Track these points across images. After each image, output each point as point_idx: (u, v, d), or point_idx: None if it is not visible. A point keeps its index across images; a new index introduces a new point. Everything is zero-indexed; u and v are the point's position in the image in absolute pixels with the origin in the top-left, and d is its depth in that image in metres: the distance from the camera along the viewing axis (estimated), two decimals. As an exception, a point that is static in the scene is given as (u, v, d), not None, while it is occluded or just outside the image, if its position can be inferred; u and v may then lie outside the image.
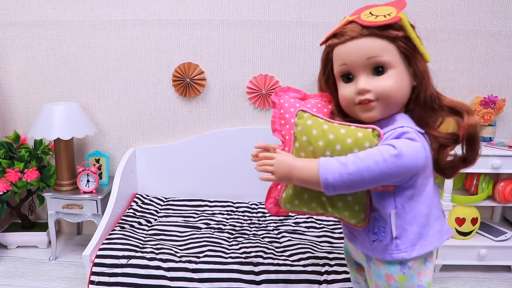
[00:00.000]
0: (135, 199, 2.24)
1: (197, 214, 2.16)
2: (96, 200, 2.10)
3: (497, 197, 2.05)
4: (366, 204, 1.04)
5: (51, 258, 2.20)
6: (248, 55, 2.20)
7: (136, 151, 2.29)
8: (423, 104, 1.01)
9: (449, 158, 1.05)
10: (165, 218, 2.11)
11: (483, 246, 2.07)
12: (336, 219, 2.14)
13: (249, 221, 2.11)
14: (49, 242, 2.30)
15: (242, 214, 2.18)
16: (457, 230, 2.07)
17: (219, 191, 2.30)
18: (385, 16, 0.97)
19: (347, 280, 1.64)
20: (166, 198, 2.31)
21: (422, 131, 1.00)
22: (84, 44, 2.23)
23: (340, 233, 1.98)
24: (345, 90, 1.02)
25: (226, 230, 2.00)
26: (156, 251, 1.75)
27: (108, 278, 1.66)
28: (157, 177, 2.32)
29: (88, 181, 2.15)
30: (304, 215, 1.16)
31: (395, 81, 0.97)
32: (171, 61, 2.22)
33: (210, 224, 2.05)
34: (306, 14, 2.14)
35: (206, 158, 2.28)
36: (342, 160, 0.93)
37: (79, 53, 2.24)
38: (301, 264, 1.69)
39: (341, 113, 1.08)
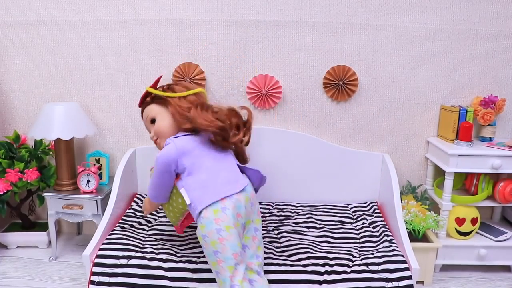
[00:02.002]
0: (135, 199, 2.24)
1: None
2: (96, 200, 2.10)
3: (497, 197, 2.05)
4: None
5: (51, 258, 2.21)
6: (248, 55, 2.20)
7: (136, 151, 2.29)
8: (181, 124, 1.65)
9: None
10: (165, 218, 2.11)
11: (483, 246, 2.07)
12: (336, 221, 2.14)
13: (249, 221, 2.11)
14: (49, 242, 2.30)
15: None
16: (457, 230, 2.07)
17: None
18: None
19: (348, 280, 1.64)
20: (166, 198, 2.31)
21: (187, 134, 1.64)
22: (84, 44, 2.23)
23: (340, 233, 1.98)
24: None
25: (226, 230, 2.00)
26: (156, 251, 1.75)
27: (108, 278, 1.66)
28: (157, 177, 2.31)
29: (88, 181, 2.15)
30: (185, 223, 1.77)
31: (160, 124, 1.69)
32: (171, 61, 2.22)
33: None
34: (306, 14, 2.14)
35: (206, 158, 2.27)
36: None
37: (79, 53, 2.24)
38: (301, 264, 1.69)
39: None
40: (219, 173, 1.55)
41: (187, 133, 1.64)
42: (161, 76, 1.86)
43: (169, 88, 1.75)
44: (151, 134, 1.72)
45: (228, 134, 1.63)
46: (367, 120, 2.26)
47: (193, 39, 2.19)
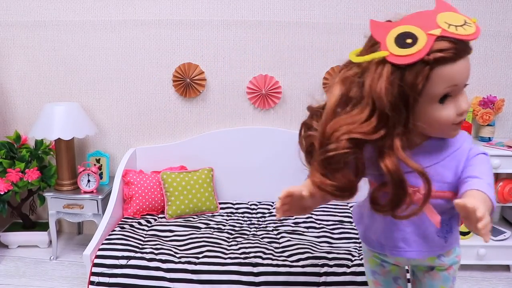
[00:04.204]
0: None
1: (197, 214, 2.17)
2: (97, 200, 2.11)
3: (496, 197, 2.06)
4: None
5: (51, 258, 2.21)
6: (248, 55, 2.21)
7: (137, 151, 2.29)
8: None
9: None
10: (164, 218, 2.12)
11: (482, 246, 2.07)
12: (336, 221, 2.14)
13: (248, 222, 2.12)
14: (50, 241, 2.30)
15: (242, 215, 2.19)
16: (456, 230, 2.08)
17: (219, 191, 2.31)
18: (470, 27, 0.87)
19: (346, 283, 1.64)
20: (166, 198, 2.31)
21: None
22: (84, 45, 2.23)
23: (340, 233, 1.98)
24: (446, 112, 0.92)
25: (225, 230, 2.00)
26: (156, 251, 1.76)
27: (108, 278, 1.67)
28: (157, 177, 2.32)
29: (88, 181, 2.15)
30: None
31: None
32: (171, 61, 2.22)
33: (210, 224, 2.05)
34: (306, 15, 2.14)
35: (206, 158, 2.28)
36: (486, 183, 0.92)
37: (79, 53, 2.25)
38: (300, 265, 1.69)
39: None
40: None
41: None
42: None
43: None
44: (466, 107, 0.94)
45: None
46: (366, 120, 2.26)
47: (193, 39, 2.20)
